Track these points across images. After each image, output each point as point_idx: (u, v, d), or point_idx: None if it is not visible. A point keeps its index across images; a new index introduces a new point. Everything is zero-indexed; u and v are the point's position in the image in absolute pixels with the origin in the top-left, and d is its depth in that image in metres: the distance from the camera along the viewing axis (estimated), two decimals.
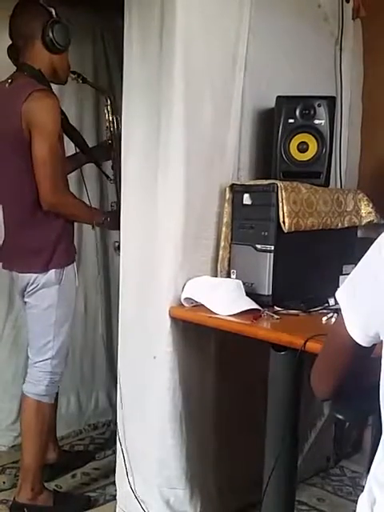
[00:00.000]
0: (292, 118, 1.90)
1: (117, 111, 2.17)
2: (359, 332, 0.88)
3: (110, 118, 2.23)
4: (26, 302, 2.09)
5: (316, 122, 1.90)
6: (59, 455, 2.40)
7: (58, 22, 1.96)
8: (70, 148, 2.29)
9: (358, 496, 0.96)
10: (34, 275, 2.00)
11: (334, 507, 2.22)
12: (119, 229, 1.98)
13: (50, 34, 1.94)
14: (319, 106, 1.89)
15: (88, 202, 2.19)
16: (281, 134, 1.91)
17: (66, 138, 2.20)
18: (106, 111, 2.26)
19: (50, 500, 2.11)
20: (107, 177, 2.30)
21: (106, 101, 2.25)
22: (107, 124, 2.26)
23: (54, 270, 2.00)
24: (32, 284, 2.01)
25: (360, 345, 0.89)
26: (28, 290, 2.03)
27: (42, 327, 2.06)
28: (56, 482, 2.33)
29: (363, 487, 0.96)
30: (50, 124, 1.90)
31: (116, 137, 2.20)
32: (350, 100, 2.25)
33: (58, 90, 2.44)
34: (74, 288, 2.10)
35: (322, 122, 1.90)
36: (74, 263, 2.10)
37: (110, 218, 2.12)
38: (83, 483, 2.36)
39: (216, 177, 1.84)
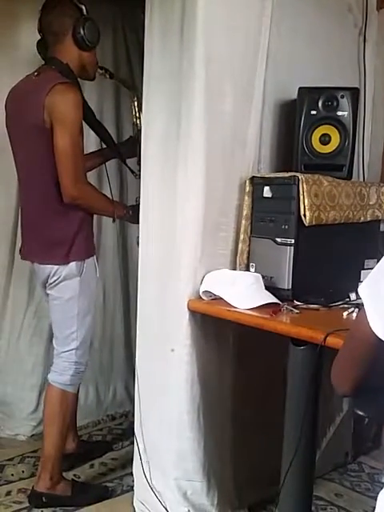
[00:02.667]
0: (314, 110, 1.88)
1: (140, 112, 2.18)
2: (382, 328, 0.86)
3: (137, 114, 2.23)
4: (48, 294, 2.11)
5: (339, 113, 1.87)
6: (78, 445, 2.42)
7: (89, 20, 1.98)
8: (91, 143, 2.29)
9: (377, 492, 0.95)
10: (56, 267, 2.02)
11: (352, 503, 2.20)
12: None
13: (81, 32, 1.97)
14: (342, 97, 1.86)
15: (110, 197, 2.19)
16: (303, 125, 1.89)
17: (91, 133, 2.21)
18: (132, 107, 2.26)
19: (68, 489, 2.13)
20: (132, 172, 2.29)
21: (133, 97, 2.26)
22: (134, 120, 2.26)
23: (74, 262, 2.02)
24: (53, 276, 2.03)
25: (382, 340, 0.87)
26: (50, 281, 2.05)
27: (65, 318, 2.08)
28: (74, 471, 2.35)
29: (382, 483, 0.95)
30: (71, 117, 1.91)
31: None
32: (373, 91, 2.22)
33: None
34: (95, 280, 2.11)
35: (345, 113, 1.87)
36: (95, 255, 2.11)
37: (132, 212, 2.13)
38: (101, 473, 2.38)
39: (236, 169, 1.83)
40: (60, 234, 2.02)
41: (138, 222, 2.01)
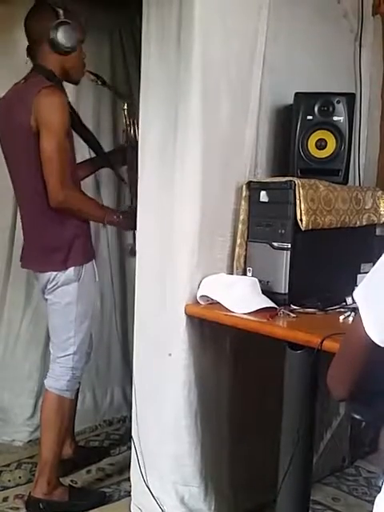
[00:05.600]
0: (310, 115, 1.89)
1: (134, 115, 2.15)
2: (377, 332, 0.86)
3: (127, 122, 2.22)
4: (46, 299, 2.11)
5: (335, 118, 1.88)
6: (75, 451, 2.41)
7: (64, 23, 1.94)
8: (82, 145, 2.28)
9: (374, 496, 0.95)
10: (54, 273, 2.02)
11: (349, 507, 2.20)
12: (134, 229, 1.99)
13: (55, 36, 1.93)
14: (338, 102, 1.88)
15: (100, 202, 2.19)
16: (299, 130, 1.90)
17: (80, 140, 2.21)
18: (123, 115, 2.24)
19: (65, 495, 2.13)
20: (122, 180, 2.29)
21: (124, 104, 2.24)
22: (124, 128, 2.25)
23: (73, 267, 2.02)
24: (52, 281, 2.03)
25: (378, 345, 0.88)
26: (48, 287, 2.05)
27: (63, 323, 2.08)
28: (71, 477, 2.34)
29: (379, 488, 0.95)
30: (57, 120, 1.90)
31: (132, 141, 2.19)
32: (369, 97, 2.23)
33: (76, 91, 2.47)
34: (93, 284, 2.12)
35: (341, 118, 1.88)
36: (93, 260, 2.11)
37: (123, 217, 2.11)
38: (98, 479, 2.37)
39: (233, 174, 1.83)
40: (57, 239, 2.02)
41: (130, 229, 2.01)
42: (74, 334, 2.07)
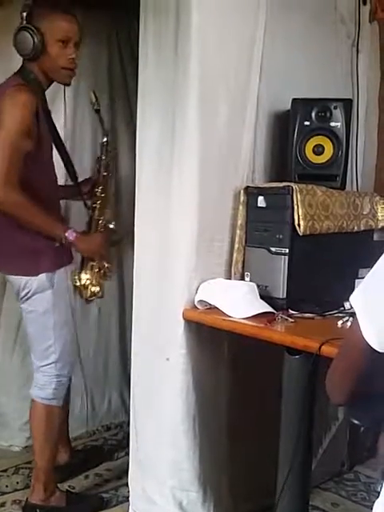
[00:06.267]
0: (308, 121, 1.89)
1: (114, 150, 2.11)
2: (375, 337, 0.87)
3: (102, 156, 2.16)
4: (22, 308, 2.06)
5: (332, 124, 1.89)
6: (71, 456, 2.40)
7: (23, 29, 1.90)
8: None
9: (373, 502, 0.95)
10: (25, 279, 1.97)
11: None
12: (90, 254, 2.02)
13: (14, 43, 1.93)
14: (335, 108, 1.88)
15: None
16: (296, 136, 1.90)
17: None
18: (101, 150, 2.16)
19: (62, 501, 2.12)
20: (88, 208, 2.21)
21: (103, 137, 2.17)
22: (98, 163, 2.18)
23: (44, 273, 1.96)
24: (24, 289, 1.98)
25: (376, 350, 0.88)
26: (21, 295, 2.00)
27: (41, 332, 2.04)
28: (69, 482, 2.33)
29: (378, 493, 0.95)
30: (12, 117, 1.85)
31: (103, 177, 2.16)
32: (366, 102, 2.24)
33: (74, 95, 2.48)
34: (67, 291, 2.05)
35: (338, 124, 1.89)
36: (67, 267, 2.05)
37: (78, 238, 1.99)
38: (96, 484, 2.36)
39: (230, 179, 1.84)
40: (27, 244, 1.96)
41: (86, 253, 2.06)
42: (54, 342, 2.02)
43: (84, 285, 2.14)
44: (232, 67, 1.79)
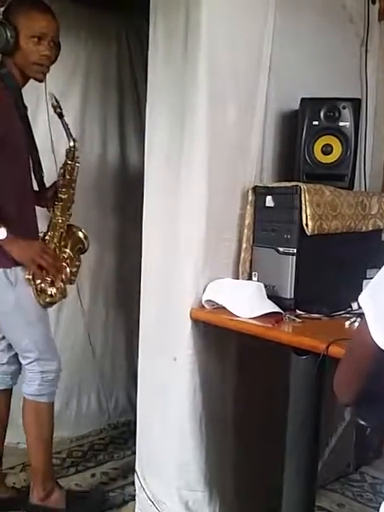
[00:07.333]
0: (316, 120, 1.89)
1: (77, 158, 2.03)
2: (383, 338, 0.86)
3: (69, 162, 2.04)
4: None
5: (340, 124, 1.88)
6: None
7: None
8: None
9: (379, 503, 0.95)
10: None
11: None
12: (24, 261, 1.89)
13: None
14: (344, 108, 1.88)
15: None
16: (305, 135, 1.90)
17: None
18: (67, 155, 2.05)
19: (62, 501, 2.10)
20: (48, 210, 2.11)
21: (70, 142, 2.03)
22: (63, 168, 2.05)
23: (2, 269, 1.89)
24: None
25: (383, 350, 0.87)
26: None
27: (14, 330, 2.00)
28: (76, 481, 2.34)
29: None
30: None
31: (68, 181, 2.05)
32: (375, 102, 2.23)
33: (82, 95, 2.47)
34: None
35: (347, 124, 1.88)
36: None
37: (4, 237, 1.83)
38: (102, 483, 2.37)
39: (238, 178, 1.84)
40: None
41: (21, 259, 1.89)
42: (29, 340, 1.98)
43: (38, 290, 1.98)
44: (241, 67, 1.79)
